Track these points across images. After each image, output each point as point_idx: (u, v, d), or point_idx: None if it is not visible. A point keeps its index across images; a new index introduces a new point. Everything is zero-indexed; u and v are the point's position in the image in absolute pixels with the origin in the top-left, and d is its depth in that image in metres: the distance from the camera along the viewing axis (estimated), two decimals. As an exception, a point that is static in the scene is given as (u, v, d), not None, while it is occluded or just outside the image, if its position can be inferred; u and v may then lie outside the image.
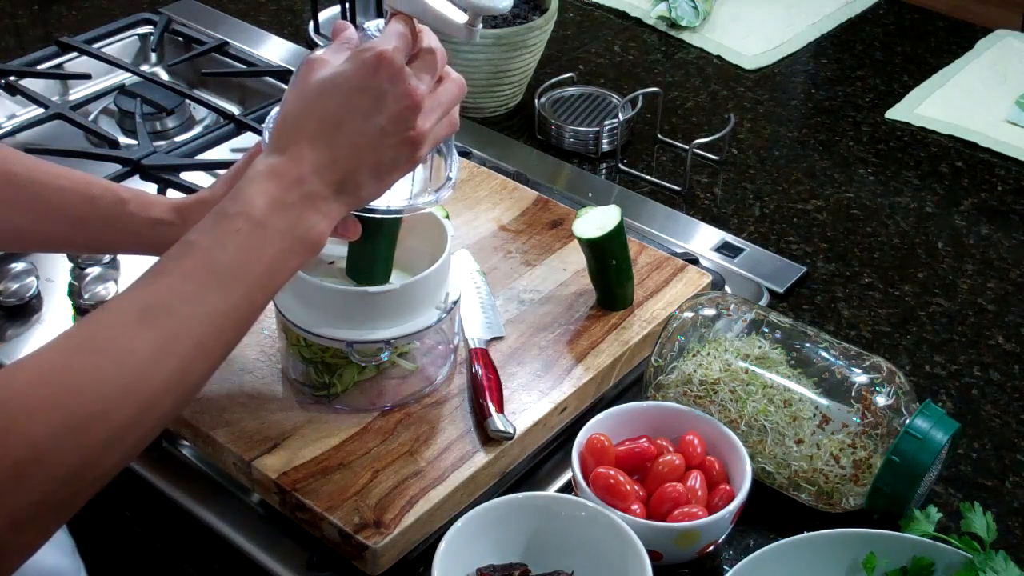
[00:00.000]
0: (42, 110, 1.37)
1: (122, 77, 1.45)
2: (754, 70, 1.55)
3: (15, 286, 1.09)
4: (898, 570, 0.85)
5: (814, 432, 0.90)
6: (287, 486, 0.87)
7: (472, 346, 0.99)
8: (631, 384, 1.04)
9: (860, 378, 0.92)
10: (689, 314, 0.98)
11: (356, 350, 0.90)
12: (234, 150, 1.33)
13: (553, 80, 1.43)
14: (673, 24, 1.62)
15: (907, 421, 0.89)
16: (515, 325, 1.03)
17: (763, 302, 1.14)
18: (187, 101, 1.40)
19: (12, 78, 1.41)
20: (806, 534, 0.86)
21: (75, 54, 1.47)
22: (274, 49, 1.55)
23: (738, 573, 0.83)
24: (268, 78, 1.46)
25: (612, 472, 0.88)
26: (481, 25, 0.82)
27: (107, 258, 1.12)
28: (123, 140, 1.34)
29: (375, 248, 0.90)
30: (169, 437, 0.97)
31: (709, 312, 0.98)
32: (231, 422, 0.92)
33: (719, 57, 1.57)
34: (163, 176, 1.25)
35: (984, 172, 1.36)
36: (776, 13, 1.67)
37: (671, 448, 0.92)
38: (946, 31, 1.64)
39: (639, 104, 1.39)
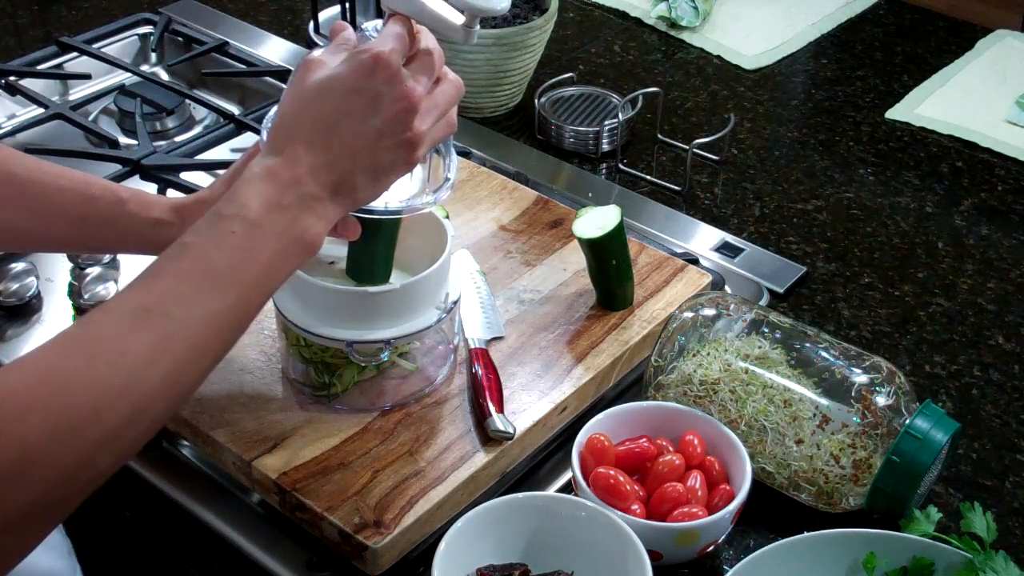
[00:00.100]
0: (42, 110, 1.37)
1: (122, 77, 1.45)
2: (754, 70, 1.55)
3: (15, 286, 1.09)
4: (898, 570, 0.85)
5: (814, 432, 0.90)
6: (287, 486, 0.87)
7: (472, 346, 0.99)
8: (631, 384, 1.04)
9: (860, 378, 0.92)
10: (689, 314, 0.98)
11: (356, 350, 0.90)
12: (234, 150, 1.33)
13: (553, 80, 1.43)
14: (673, 24, 1.62)
15: (907, 421, 0.89)
16: (515, 325, 1.03)
17: (763, 302, 1.14)
18: (187, 101, 1.40)
19: (12, 78, 1.41)
20: (806, 534, 0.86)
21: (75, 54, 1.47)
22: (274, 49, 1.55)
23: (738, 573, 0.83)
24: (268, 78, 1.46)
25: (612, 472, 0.88)
26: (479, 26, 0.82)
27: (107, 258, 1.12)
28: (123, 140, 1.34)
29: (375, 248, 0.90)
30: (169, 437, 0.97)
31: (709, 312, 0.98)
32: (231, 422, 0.92)
33: (719, 57, 1.57)
34: (163, 176, 1.25)
35: (984, 172, 1.36)
36: (776, 13, 1.67)
37: (671, 448, 0.92)
38: (946, 31, 1.64)
39: (639, 104, 1.39)
